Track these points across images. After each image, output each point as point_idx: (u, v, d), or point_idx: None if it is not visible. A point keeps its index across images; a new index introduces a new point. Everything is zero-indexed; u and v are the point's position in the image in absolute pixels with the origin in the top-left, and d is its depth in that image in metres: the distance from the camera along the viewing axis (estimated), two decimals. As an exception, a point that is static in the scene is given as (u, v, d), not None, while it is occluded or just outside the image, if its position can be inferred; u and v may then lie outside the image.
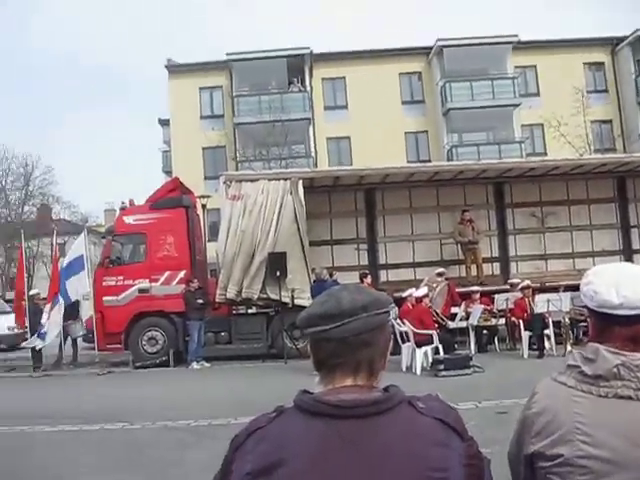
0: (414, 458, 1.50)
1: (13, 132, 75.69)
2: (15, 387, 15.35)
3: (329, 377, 1.64)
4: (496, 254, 19.65)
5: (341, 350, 1.60)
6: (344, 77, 36.18)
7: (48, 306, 17.43)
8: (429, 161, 32.66)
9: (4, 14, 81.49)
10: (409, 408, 1.57)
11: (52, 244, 20.76)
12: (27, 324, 18.01)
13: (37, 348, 17.29)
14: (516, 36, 35.13)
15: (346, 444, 1.51)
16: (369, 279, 15.49)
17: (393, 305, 11.39)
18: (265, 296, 16.91)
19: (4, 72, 76.99)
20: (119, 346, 17.40)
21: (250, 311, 18.56)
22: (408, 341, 13.71)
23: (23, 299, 18.11)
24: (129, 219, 18.01)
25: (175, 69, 36.75)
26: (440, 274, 17.06)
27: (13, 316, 22.01)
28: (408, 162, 32.10)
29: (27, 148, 69.34)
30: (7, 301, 29.37)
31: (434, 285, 16.51)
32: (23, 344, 17.42)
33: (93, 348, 17.53)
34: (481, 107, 34.36)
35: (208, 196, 23.02)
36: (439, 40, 35.39)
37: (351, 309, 1.60)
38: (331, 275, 16.08)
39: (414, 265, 19.31)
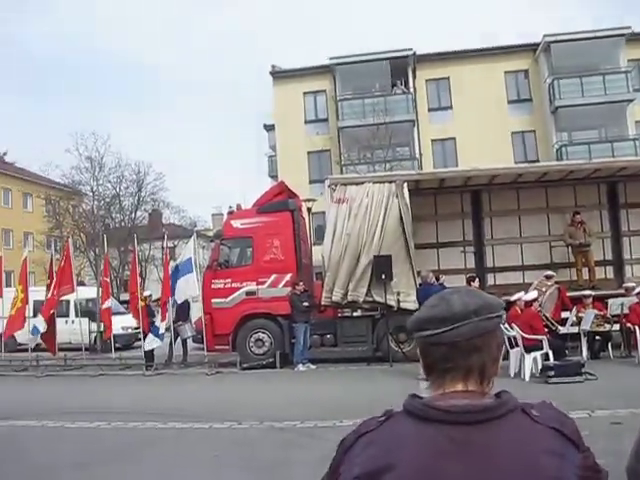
0: (527, 467, 1.46)
1: (128, 141, 78.69)
2: (129, 385, 15.95)
3: (439, 382, 1.62)
4: (609, 257, 18.94)
5: (452, 355, 1.59)
6: (448, 77, 35.77)
7: (163, 308, 18.02)
8: (537, 161, 31.87)
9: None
10: (523, 416, 1.54)
11: (163, 247, 21.38)
12: (140, 324, 18.68)
13: (153, 347, 17.94)
14: (629, 28, 33.71)
15: (457, 450, 1.48)
16: (477, 282, 15.22)
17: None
18: (371, 299, 16.88)
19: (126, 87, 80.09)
20: (227, 347, 17.76)
21: (355, 314, 18.58)
22: (517, 346, 13.42)
23: (137, 300, 18.79)
24: (236, 223, 18.39)
25: (279, 75, 37.27)
26: (549, 277, 16.61)
27: (127, 316, 22.90)
28: (515, 163, 31.44)
29: (139, 156, 71.74)
30: (121, 302, 30.55)
31: (543, 289, 16.09)
32: (144, 345, 18.07)
33: (202, 349, 17.96)
34: (592, 104, 33.12)
35: (313, 199, 23.22)
36: (546, 36, 34.35)
37: (462, 313, 1.58)
38: (437, 278, 15.90)
39: (523, 268, 18.89)
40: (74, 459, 7.92)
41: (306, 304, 16.95)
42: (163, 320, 17.94)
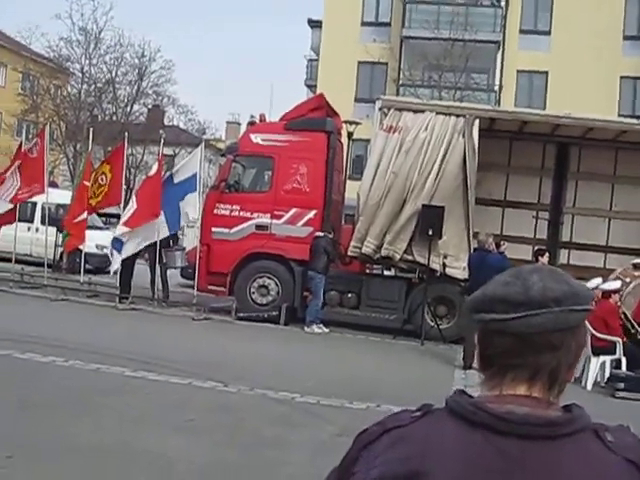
0: None
1: (133, 15, 78.19)
2: (96, 316, 16.17)
3: (497, 380, 1.59)
4: None
5: (519, 349, 1.55)
6: (552, -6, 35.13)
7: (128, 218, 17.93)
8: (648, 118, 31.40)
9: None
10: (594, 439, 1.50)
11: (159, 153, 21.31)
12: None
13: (114, 266, 18.05)
14: None
15: (506, 468, 1.46)
16: (546, 258, 15.12)
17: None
18: (410, 257, 16.89)
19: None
20: (223, 289, 17.89)
21: (387, 273, 18.64)
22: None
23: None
24: (257, 138, 18.33)
25: (339, -41, 36.74)
26: (638, 266, 16.46)
27: (105, 233, 23.05)
28: (620, 115, 30.93)
29: (146, 36, 71.26)
30: (100, 215, 30.70)
31: (628, 279, 15.95)
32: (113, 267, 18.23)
33: (192, 286, 18.09)
34: None
35: (357, 122, 23.07)
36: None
37: (541, 299, 1.54)
38: (498, 245, 15.79)
39: (607, 250, 18.79)
40: (17, 396, 8.06)
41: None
42: (128, 225, 17.80)
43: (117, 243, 18.04)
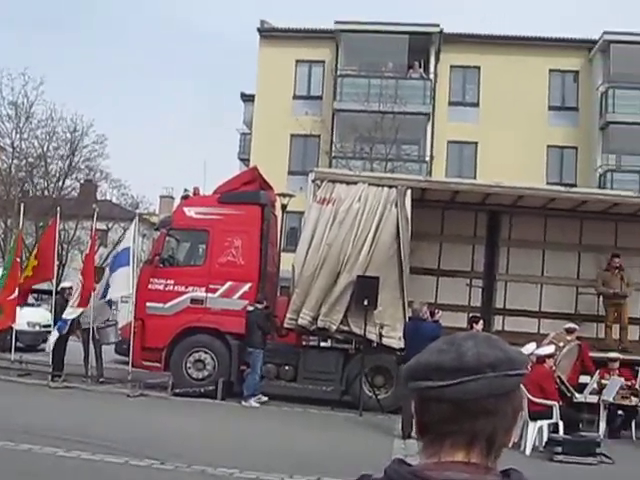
0: None
1: (64, 90, 78.13)
2: (28, 396, 15.76)
3: (435, 447, 1.60)
4: (647, 315, 19.12)
5: (455, 415, 1.56)
6: (479, 67, 36.05)
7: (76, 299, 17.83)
8: (575, 185, 32.02)
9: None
10: None
11: (92, 228, 21.18)
12: (51, 322, 18.51)
13: (52, 343, 17.76)
14: None
15: None
16: (480, 325, 15.29)
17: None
18: (346, 328, 16.91)
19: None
20: (158, 365, 17.67)
21: (324, 344, 18.59)
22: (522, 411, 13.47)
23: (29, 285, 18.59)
24: (191, 211, 18.35)
25: (269, 34, 37.31)
26: (571, 331, 16.70)
27: (38, 310, 22.71)
28: (548, 184, 31.62)
29: (79, 110, 71.10)
30: (34, 291, 30.23)
31: (561, 344, 16.16)
32: (48, 345, 17.95)
33: (126, 362, 17.86)
34: (652, 125, 33.46)
35: (291, 195, 23.19)
36: (606, 33, 34.61)
37: (476, 365, 1.55)
38: (432, 314, 15.92)
39: (539, 315, 19.02)
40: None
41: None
42: (80, 306, 17.73)
43: (62, 323, 17.82)
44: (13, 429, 10.89)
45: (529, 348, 14.45)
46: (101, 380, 18.10)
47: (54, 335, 17.84)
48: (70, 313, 17.79)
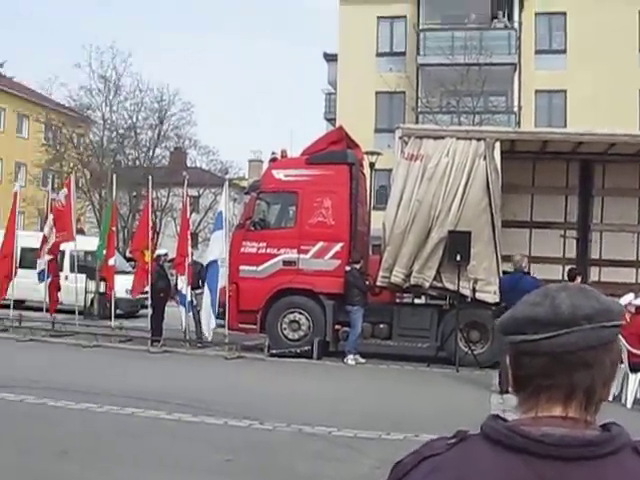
0: None
1: (151, 59, 79.03)
2: (129, 361, 16.19)
3: (531, 402, 1.56)
4: None
5: (552, 369, 1.52)
6: (565, 13, 35.15)
7: (187, 269, 18.17)
8: (671, 131, 31.17)
9: None
10: (634, 456, 1.47)
11: (183, 195, 21.42)
12: (148, 289, 18.86)
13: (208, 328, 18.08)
14: None
15: None
16: (579, 280, 14.91)
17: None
18: (439, 285, 16.79)
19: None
20: (254, 327, 17.86)
21: (418, 301, 18.53)
22: (620, 363, 13.23)
23: (143, 258, 18.97)
24: (279, 174, 18.38)
25: (350, -9, 36.96)
26: (672, 279, 16.30)
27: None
28: (642, 129, 30.76)
29: (164, 79, 71.93)
30: (129, 260, 30.86)
31: (662, 293, 15.80)
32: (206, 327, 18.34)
33: (223, 326, 18.08)
34: None
35: (378, 153, 23.09)
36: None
37: (571, 317, 1.51)
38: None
39: (637, 265, 18.62)
40: (55, 444, 8.06)
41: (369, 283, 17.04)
42: (190, 284, 18.09)
43: (181, 297, 18.19)
44: (116, 394, 11.15)
45: (627, 298, 14.13)
46: (199, 345, 18.42)
47: (182, 311, 18.36)
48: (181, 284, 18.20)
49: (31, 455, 7.66)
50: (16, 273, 19.85)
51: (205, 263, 18.48)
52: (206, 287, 17.81)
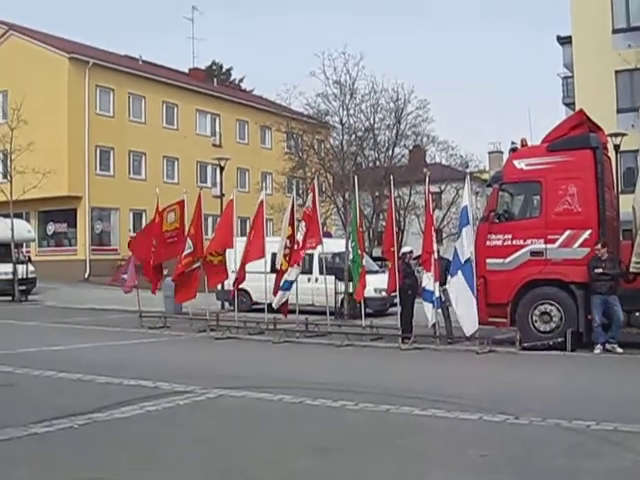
0: None
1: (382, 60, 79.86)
2: (381, 359, 16.67)
3: None
4: None
5: None
6: None
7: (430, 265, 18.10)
8: None
9: None
10: None
11: (425, 192, 21.49)
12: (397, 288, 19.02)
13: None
14: None
15: None
16: None
17: None
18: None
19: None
20: (504, 320, 17.68)
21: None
22: None
23: (393, 258, 19.14)
24: (521, 164, 18.12)
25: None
26: None
27: (382, 276, 23.49)
28: None
29: (398, 79, 72.45)
30: (375, 259, 31.37)
31: None
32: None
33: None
34: None
35: (623, 134, 22.29)
36: None
37: None
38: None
39: None
40: (314, 442, 8.30)
41: (598, 270, 16.38)
42: (437, 280, 17.98)
43: (427, 294, 18.12)
44: (371, 391, 11.35)
45: None
46: (449, 340, 18.43)
47: (428, 308, 18.24)
48: (428, 283, 18.15)
49: (287, 452, 7.92)
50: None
51: (462, 260, 18.28)
52: (465, 284, 17.58)
